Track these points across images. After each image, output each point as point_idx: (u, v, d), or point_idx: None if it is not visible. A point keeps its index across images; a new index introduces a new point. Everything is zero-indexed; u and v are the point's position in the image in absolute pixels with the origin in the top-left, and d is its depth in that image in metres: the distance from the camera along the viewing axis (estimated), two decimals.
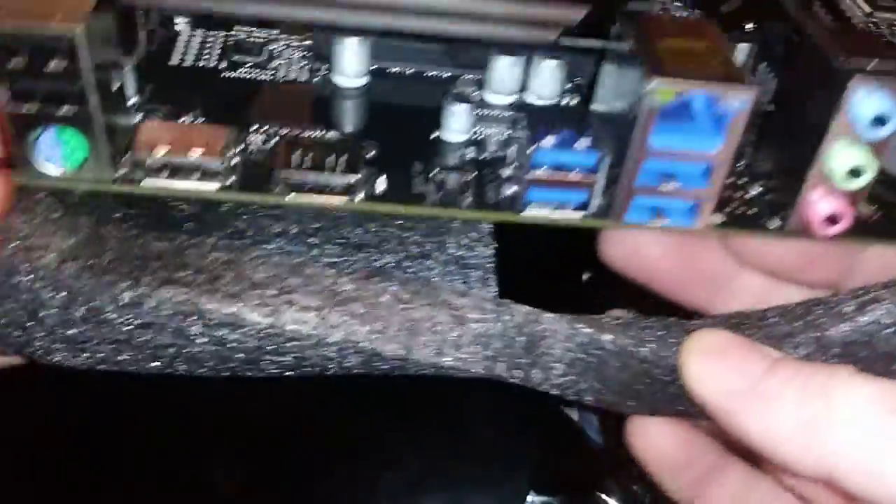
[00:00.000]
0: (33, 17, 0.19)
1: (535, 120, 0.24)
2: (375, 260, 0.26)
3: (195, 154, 0.21)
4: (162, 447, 0.38)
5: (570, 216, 0.24)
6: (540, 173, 0.23)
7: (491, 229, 0.27)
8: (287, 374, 0.24)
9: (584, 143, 0.23)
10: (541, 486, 0.37)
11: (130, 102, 0.24)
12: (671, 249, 0.28)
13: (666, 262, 0.28)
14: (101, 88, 0.20)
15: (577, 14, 0.22)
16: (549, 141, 0.23)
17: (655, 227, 0.24)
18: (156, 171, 0.22)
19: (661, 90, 0.21)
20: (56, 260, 0.21)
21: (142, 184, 0.22)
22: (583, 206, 0.24)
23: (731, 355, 0.23)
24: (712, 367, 0.23)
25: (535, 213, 0.24)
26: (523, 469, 0.38)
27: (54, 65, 0.19)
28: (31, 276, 0.21)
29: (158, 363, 0.23)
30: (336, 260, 0.25)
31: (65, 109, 0.20)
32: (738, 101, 0.22)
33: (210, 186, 0.22)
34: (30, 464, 0.38)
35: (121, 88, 0.22)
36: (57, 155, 0.21)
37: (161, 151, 0.21)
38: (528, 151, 0.23)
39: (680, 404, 0.25)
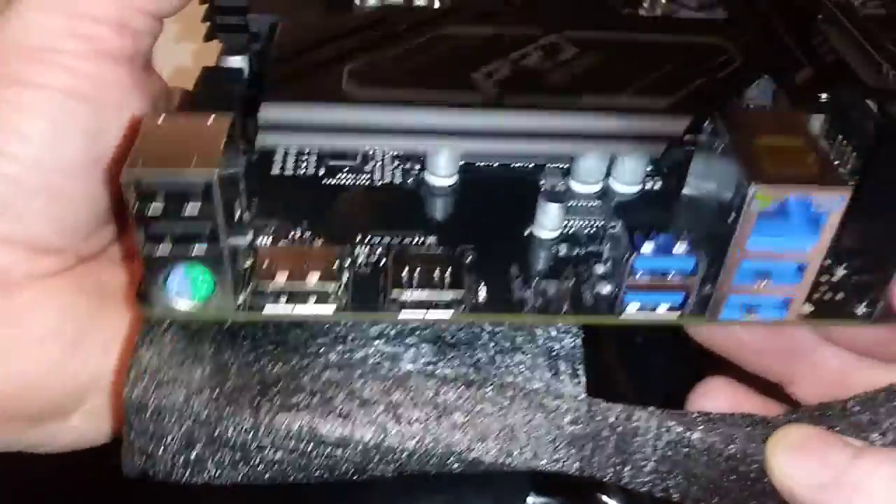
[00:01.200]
0: (170, 163, 0.20)
1: (630, 217, 0.24)
2: (469, 356, 0.26)
3: (312, 279, 0.22)
4: None
5: (667, 316, 0.24)
6: (640, 279, 0.24)
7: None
8: (389, 476, 0.25)
9: (681, 247, 0.23)
10: (541, 486, 0.36)
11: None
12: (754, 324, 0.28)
13: (748, 335, 0.29)
14: (228, 224, 0.21)
15: (681, 126, 0.22)
16: (648, 248, 0.23)
17: (748, 321, 0.25)
18: (275, 297, 0.23)
19: (761, 195, 0.22)
20: (184, 395, 0.22)
21: (263, 311, 0.23)
22: (679, 307, 0.24)
23: (815, 448, 0.24)
24: (798, 461, 0.24)
25: (633, 315, 0.24)
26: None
27: (190, 207, 0.20)
28: (161, 411, 0.22)
29: (272, 475, 0.24)
30: (433, 359, 0.26)
31: (197, 248, 0.21)
32: (835, 202, 0.22)
33: (326, 310, 0.23)
34: None
35: (240, 217, 0.22)
36: (186, 290, 0.22)
37: (280, 280, 0.22)
38: (626, 259, 0.23)
39: (766, 501, 0.25)
